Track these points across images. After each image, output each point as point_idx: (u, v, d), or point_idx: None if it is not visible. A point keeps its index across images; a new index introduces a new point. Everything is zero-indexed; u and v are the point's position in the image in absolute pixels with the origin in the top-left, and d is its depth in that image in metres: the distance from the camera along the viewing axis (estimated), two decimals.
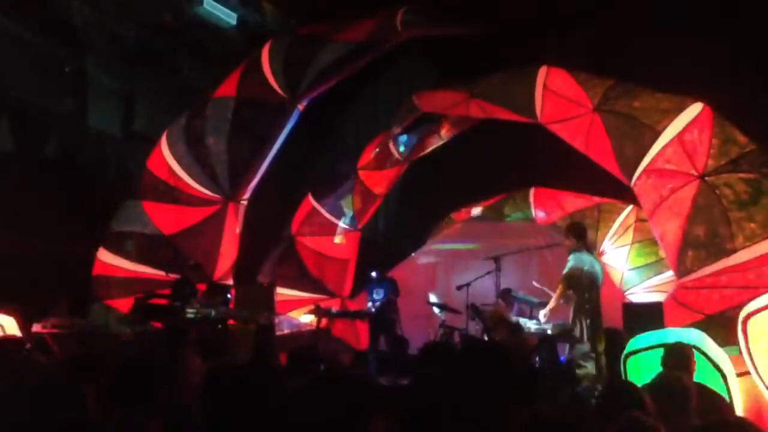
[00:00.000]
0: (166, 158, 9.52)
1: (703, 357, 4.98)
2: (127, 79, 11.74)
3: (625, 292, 9.38)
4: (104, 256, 9.26)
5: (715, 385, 4.81)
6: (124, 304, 8.79)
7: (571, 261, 7.48)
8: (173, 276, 8.72)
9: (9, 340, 5.10)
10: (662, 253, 7.19)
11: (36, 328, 7.92)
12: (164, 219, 9.39)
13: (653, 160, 6.63)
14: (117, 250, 9.26)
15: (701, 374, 4.84)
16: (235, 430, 2.74)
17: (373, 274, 9.82)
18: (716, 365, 5.00)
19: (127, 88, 11.74)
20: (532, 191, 10.56)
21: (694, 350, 4.88)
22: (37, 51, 10.08)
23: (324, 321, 9.65)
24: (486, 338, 7.83)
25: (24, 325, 7.52)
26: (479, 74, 8.45)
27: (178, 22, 12.01)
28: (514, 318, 7.89)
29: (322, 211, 10.81)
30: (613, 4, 8.98)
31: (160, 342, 7.71)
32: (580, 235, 7.77)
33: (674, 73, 8.08)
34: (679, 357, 4.63)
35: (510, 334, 6.81)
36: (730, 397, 4.87)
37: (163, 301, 8.42)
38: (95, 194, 10.02)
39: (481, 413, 2.06)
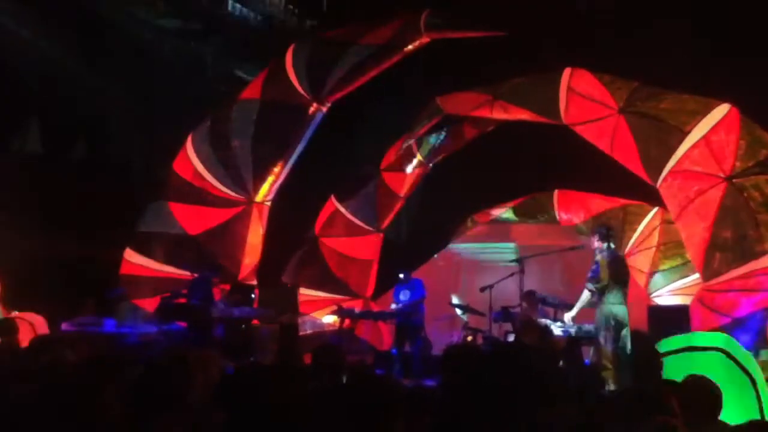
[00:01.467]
0: (192, 160, 9.63)
1: (731, 361, 4.92)
2: (153, 81, 11.89)
3: (650, 294, 9.29)
4: (131, 256, 9.39)
5: (743, 389, 4.75)
6: (150, 304, 8.91)
7: (601, 264, 7.42)
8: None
9: (41, 338, 5.20)
10: (688, 256, 7.12)
11: (64, 326, 8.07)
12: (189, 220, 9.50)
13: (679, 162, 6.57)
14: (143, 250, 9.38)
15: (729, 379, 4.78)
16: (257, 430, 2.76)
17: (401, 275, 9.82)
18: (745, 369, 4.93)
19: (153, 90, 11.88)
20: (555, 193, 10.50)
21: (722, 355, 4.83)
22: (64, 56, 10.25)
23: (347, 321, 9.69)
24: (512, 340, 7.81)
25: (52, 324, 7.66)
26: (503, 76, 8.42)
27: (204, 23, 12.14)
28: (542, 321, 7.86)
29: (345, 212, 10.85)
30: (637, 7, 8.90)
31: (185, 342, 7.82)
32: (608, 236, 7.70)
33: (700, 74, 8.00)
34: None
35: (540, 338, 6.77)
36: (759, 402, 4.80)
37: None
38: (122, 196, 10.16)
39: (508, 416, 2.07)
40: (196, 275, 8.67)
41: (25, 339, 6.53)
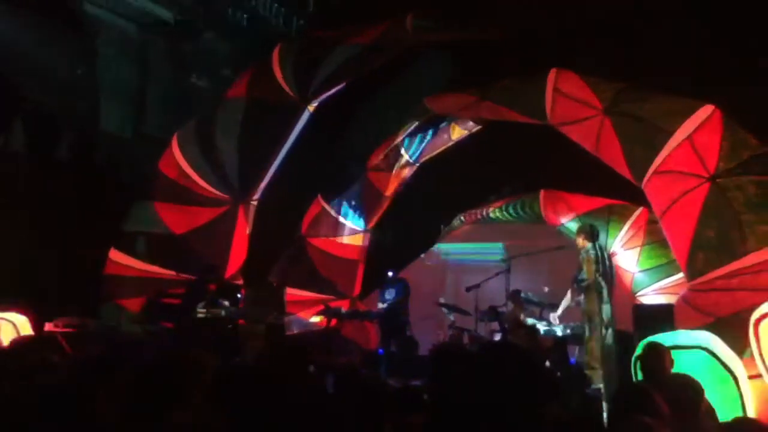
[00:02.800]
0: (178, 159, 9.58)
1: (714, 360, 4.98)
2: (139, 81, 11.82)
3: (635, 294, 9.36)
4: (116, 256, 9.32)
5: (726, 388, 4.81)
6: (135, 304, 8.85)
7: (585, 264, 7.47)
8: (184, 276, 8.80)
9: (28, 339, 5.15)
10: (673, 255, 7.18)
11: (48, 327, 7.99)
12: (175, 219, 9.45)
13: (664, 162, 6.62)
14: (128, 250, 9.32)
15: (712, 377, 4.84)
16: (249, 429, 2.76)
17: (390, 273, 9.85)
18: (727, 368, 4.99)
19: (139, 90, 11.81)
20: (541, 193, 10.55)
21: (706, 353, 4.88)
22: (49, 53, 10.16)
23: (333, 321, 9.69)
24: (499, 339, 7.85)
25: (36, 324, 7.58)
26: (492, 77, 8.45)
27: (189, 23, 12.08)
28: (530, 321, 7.92)
29: (332, 212, 10.84)
30: (624, 8, 8.96)
31: (171, 342, 7.79)
32: (593, 235, 7.76)
33: (685, 74, 8.08)
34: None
35: (527, 337, 6.83)
36: (742, 400, 4.86)
37: (175, 301, 8.49)
38: (107, 195, 10.09)
39: (496, 415, 2.09)
40: (194, 277, 8.66)
41: (7, 339, 6.48)
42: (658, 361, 4.45)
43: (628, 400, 3.12)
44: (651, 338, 5.44)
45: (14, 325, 7.25)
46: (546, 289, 9.09)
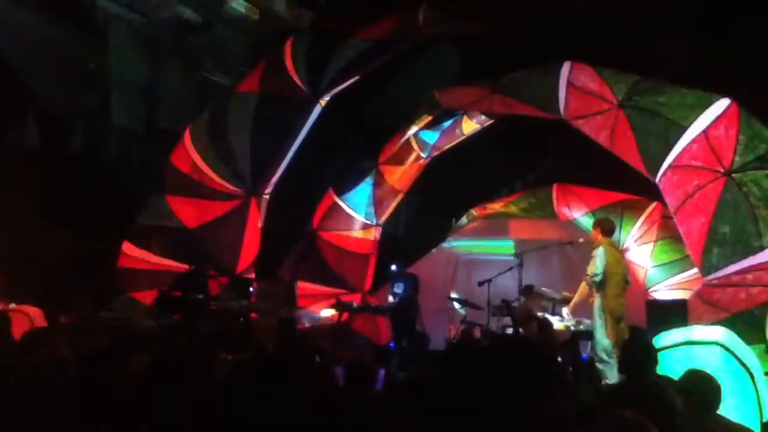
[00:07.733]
0: (190, 153, 9.61)
1: (730, 356, 4.92)
2: (151, 75, 11.86)
3: (648, 289, 9.29)
4: (129, 249, 9.37)
5: (742, 384, 4.76)
6: (148, 297, 8.90)
7: (599, 258, 7.41)
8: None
9: (37, 331, 5.18)
10: (687, 251, 7.11)
11: (62, 319, 8.05)
12: (188, 213, 9.49)
13: (679, 157, 6.54)
14: (142, 243, 9.37)
15: (728, 373, 4.78)
16: (259, 422, 2.76)
17: (393, 267, 9.84)
18: (744, 364, 4.93)
19: (151, 84, 11.85)
20: (554, 187, 10.48)
21: (721, 349, 4.83)
22: (61, 48, 10.20)
23: (345, 315, 9.69)
24: (510, 334, 7.82)
25: (50, 317, 7.64)
26: (504, 70, 8.40)
27: (201, 17, 12.11)
28: (541, 314, 7.88)
29: (344, 206, 10.83)
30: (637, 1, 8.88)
31: (186, 335, 7.82)
32: (610, 230, 7.67)
33: (701, 68, 7.99)
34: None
35: (539, 329, 6.79)
36: (758, 396, 4.80)
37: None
38: (119, 189, 10.14)
39: (506, 409, 2.07)
40: (188, 268, 8.70)
41: (21, 331, 6.51)
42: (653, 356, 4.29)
43: (644, 396, 3.08)
44: (665, 334, 5.39)
45: (29, 317, 7.31)
46: (558, 284, 9.03)
